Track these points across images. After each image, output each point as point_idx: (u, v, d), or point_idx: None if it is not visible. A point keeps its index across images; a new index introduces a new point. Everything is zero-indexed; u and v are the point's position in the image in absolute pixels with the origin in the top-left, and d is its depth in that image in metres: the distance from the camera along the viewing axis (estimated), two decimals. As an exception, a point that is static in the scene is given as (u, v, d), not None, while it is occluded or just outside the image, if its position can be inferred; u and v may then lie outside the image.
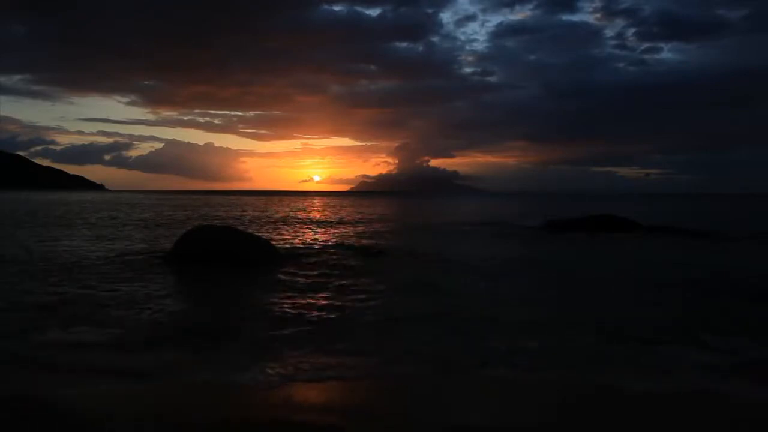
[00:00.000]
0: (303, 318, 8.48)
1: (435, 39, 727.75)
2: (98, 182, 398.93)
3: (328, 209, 56.68)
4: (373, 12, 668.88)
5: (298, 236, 23.90)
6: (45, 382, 5.66)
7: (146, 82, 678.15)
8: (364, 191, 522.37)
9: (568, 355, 6.71)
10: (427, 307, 9.37)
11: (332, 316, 8.67)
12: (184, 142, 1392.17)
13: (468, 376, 6.02)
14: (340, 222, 34.94)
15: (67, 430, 4.61)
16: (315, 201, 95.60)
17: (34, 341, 7.14)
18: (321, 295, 10.39)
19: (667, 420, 4.96)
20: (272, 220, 35.93)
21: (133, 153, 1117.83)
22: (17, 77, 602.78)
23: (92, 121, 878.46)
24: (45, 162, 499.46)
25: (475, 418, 4.88)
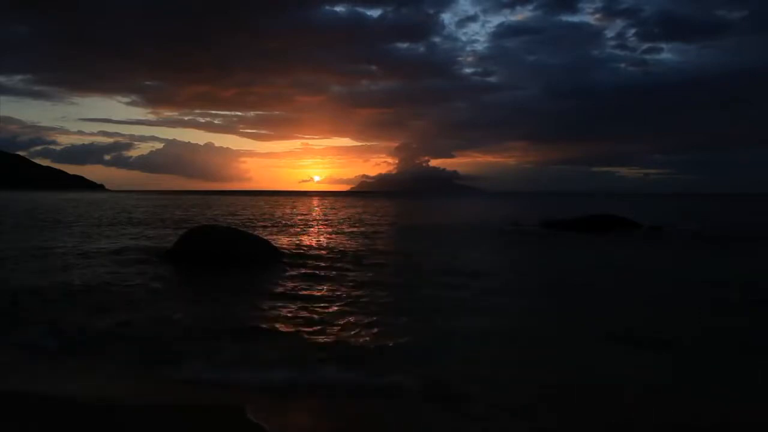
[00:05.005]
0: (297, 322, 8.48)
1: (436, 39, 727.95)
2: (98, 182, 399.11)
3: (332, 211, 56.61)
4: (374, 12, 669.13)
5: (298, 238, 23.89)
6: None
7: (147, 83, 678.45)
8: (364, 191, 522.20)
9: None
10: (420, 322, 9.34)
11: (317, 328, 8.27)
12: (184, 142, 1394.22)
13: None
14: (342, 223, 34.92)
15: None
16: (315, 201, 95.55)
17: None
18: (317, 295, 10.39)
19: None
20: (273, 223, 35.92)
21: (133, 153, 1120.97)
22: (18, 77, 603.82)
23: (93, 121, 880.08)
24: (45, 162, 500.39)
25: None
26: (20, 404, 5.23)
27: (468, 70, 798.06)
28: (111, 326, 7.85)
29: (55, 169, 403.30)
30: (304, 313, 8.73)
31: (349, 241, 21.22)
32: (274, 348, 6.89)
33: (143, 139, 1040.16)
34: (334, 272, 13.03)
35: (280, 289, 10.78)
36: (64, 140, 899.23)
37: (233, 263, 13.95)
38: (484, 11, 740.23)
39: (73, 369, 6.22)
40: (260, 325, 8.06)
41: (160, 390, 5.64)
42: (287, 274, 12.76)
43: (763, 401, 5.46)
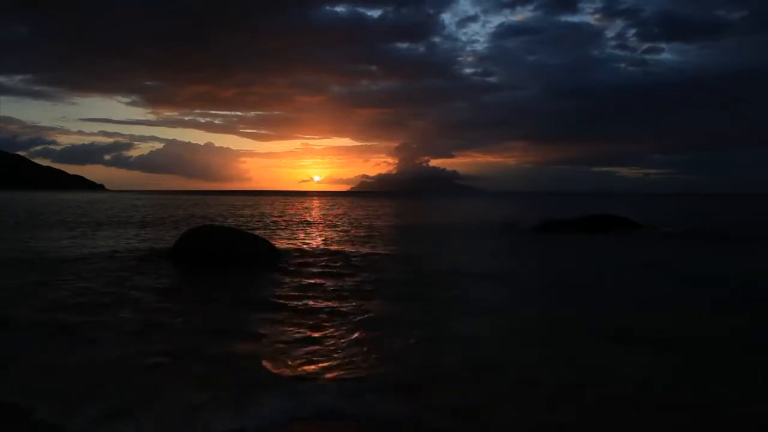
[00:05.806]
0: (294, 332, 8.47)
1: (436, 39, 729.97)
2: (98, 182, 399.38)
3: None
4: (375, 13, 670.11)
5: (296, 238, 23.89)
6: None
7: (147, 83, 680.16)
8: (364, 191, 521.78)
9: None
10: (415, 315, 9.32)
11: (317, 335, 8.33)
12: (184, 142, 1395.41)
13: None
14: (342, 224, 34.93)
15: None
16: (315, 201, 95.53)
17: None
18: (315, 302, 10.34)
19: None
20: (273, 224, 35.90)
21: (133, 153, 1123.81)
22: (18, 77, 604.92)
23: (93, 121, 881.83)
24: (45, 162, 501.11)
25: None
26: None
27: (468, 70, 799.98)
28: (84, 333, 7.48)
29: (55, 169, 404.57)
30: (300, 324, 8.13)
31: (348, 242, 21.20)
32: (259, 367, 6.20)
33: (143, 139, 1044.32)
34: (332, 274, 12.94)
35: (277, 293, 10.58)
36: (64, 140, 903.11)
37: (233, 263, 13.94)
38: (484, 11, 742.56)
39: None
40: (251, 334, 7.51)
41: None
42: (286, 275, 12.69)
43: (763, 401, 5.45)
